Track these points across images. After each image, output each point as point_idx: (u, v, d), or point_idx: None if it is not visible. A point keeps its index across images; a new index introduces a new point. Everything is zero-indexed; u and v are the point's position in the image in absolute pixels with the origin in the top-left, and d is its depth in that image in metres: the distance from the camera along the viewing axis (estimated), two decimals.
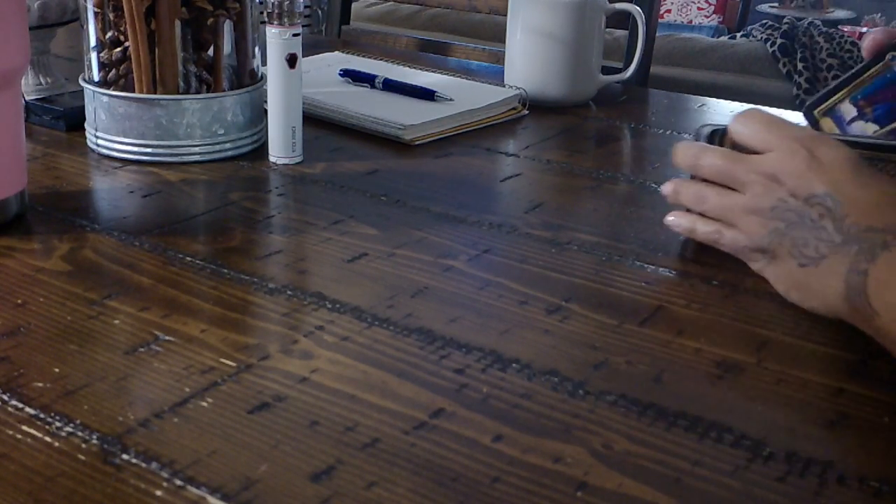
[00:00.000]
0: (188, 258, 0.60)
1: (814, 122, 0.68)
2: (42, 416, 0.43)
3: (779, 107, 0.94)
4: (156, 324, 0.52)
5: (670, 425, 0.44)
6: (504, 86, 0.98)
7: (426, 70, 1.03)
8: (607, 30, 1.04)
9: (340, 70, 0.99)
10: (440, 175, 0.77)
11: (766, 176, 0.57)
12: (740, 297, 0.57)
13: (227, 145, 0.79)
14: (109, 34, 0.77)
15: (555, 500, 0.39)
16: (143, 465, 0.40)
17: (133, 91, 0.76)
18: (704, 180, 0.61)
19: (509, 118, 0.93)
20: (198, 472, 0.40)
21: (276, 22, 0.75)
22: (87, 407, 0.44)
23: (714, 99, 1.04)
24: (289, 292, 0.56)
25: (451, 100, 0.91)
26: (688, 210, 0.62)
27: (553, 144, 0.87)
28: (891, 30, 0.69)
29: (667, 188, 0.63)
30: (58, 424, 0.43)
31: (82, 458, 0.40)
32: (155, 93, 0.76)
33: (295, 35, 0.76)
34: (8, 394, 0.45)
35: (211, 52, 0.78)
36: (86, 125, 0.81)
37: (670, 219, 0.63)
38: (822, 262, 0.53)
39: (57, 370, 0.47)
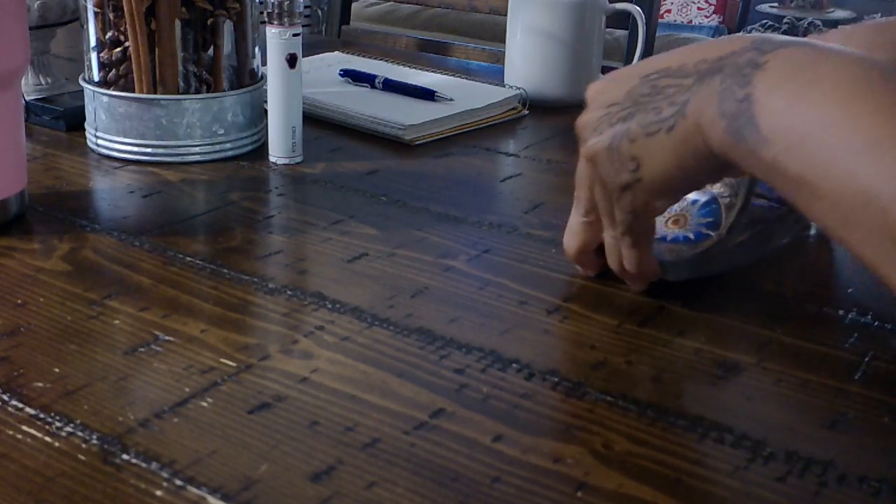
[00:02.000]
0: (188, 258, 0.60)
1: None
2: (42, 416, 0.43)
3: None
4: (156, 324, 0.52)
5: (670, 425, 0.44)
6: (504, 86, 0.98)
7: (426, 70, 1.03)
8: (607, 30, 1.04)
9: (340, 70, 0.99)
10: (440, 175, 0.77)
11: (586, 107, 0.53)
12: (740, 297, 0.57)
13: (227, 145, 0.79)
14: (109, 34, 0.77)
15: (555, 500, 0.39)
16: (143, 465, 0.40)
17: (133, 91, 0.76)
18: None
19: (509, 118, 0.93)
20: (198, 472, 0.40)
21: (276, 22, 0.75)
22: (87, 407, 0.44)
23: None
24: (289, 292, 0.56)
25: (451, 100, 0.91)
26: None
27: (553, 144, 0.87)
28: None
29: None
30: (58, 424, 0.43)
31: (82, 458, 0.40)
32: (155, 93, 0.76)
33: (295, 35, 0.75)
34: (8, 394, 0.45)
35: (211, 52, 0.78)
36: (86, 125, 0.81)
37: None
38: (687, 109, 0.47)
39: (57, 370, 0.47)
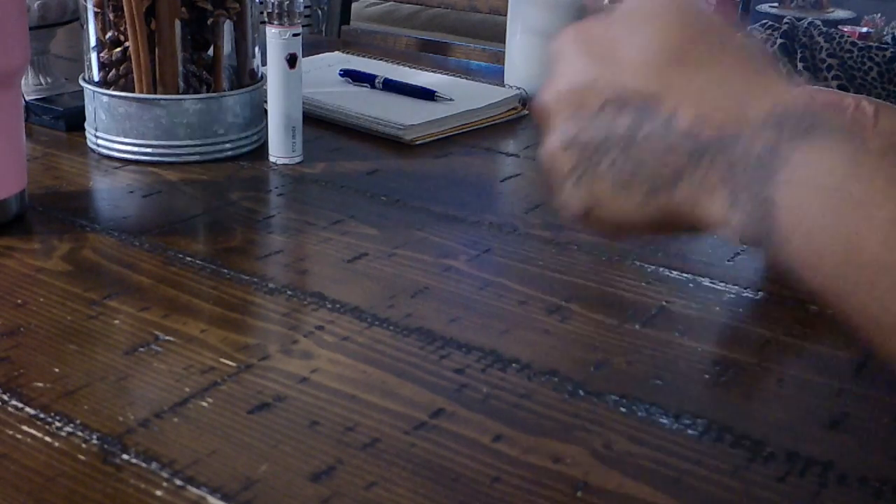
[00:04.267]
0: (188, 258, 0.60)
1: None
2: (42, 416, 0.43)
3: None
4: (156, 324, 0.52)
5: (670, 425, 0.44)
6: (504, 86, 0.98)
7: (426, 70, 1.03)
8: None
9: (340, 70, 0.99)
10: (440, 175, 0.77)
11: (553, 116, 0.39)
12: (740, 296, 0.57)
13: (227, 145, 0.79)
14: (109, 34, 0.77)
15: (555, 500, 0.39)
16: (143, 465, 0.40)
17: (133, 91, 0.76)
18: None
19: (509, 118, 0.93)
20: (198, 472, 0.40)
21: (276, 22, 0.75)
22: (87, 407, 0.44)
23: None
24: (289, 292, 0.56)
25: (451, 100, 0.91)
26: None
27: None
28: None
29: None
30: (58, 424, 0.43)
31: (82, 458, 0.40)
32: (155, 93, 0.76)
33: (295, 35, 0.75)
34: (8, 394, 0.45)
35: (211, 52, 0.78)
36: (86, 125, 0.81)
37: None
38: (677, 192, 0.36)
39: (57, 370, 0.47)
